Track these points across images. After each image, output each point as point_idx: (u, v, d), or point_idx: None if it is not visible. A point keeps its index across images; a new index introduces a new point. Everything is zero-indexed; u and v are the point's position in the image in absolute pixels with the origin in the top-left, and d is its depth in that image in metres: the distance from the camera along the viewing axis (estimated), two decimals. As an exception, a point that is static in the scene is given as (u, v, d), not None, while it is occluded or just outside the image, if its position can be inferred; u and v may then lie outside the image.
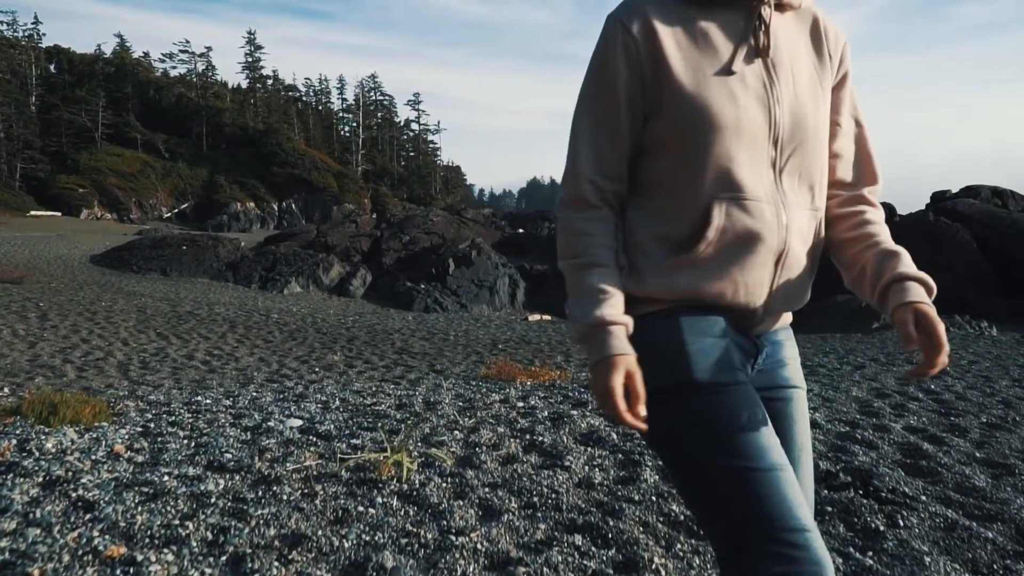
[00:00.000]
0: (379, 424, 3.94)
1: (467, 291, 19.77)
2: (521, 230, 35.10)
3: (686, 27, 1.11)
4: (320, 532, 2.30)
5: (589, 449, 3.44)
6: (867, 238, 1.19)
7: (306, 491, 2.71)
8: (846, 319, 12.78)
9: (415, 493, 2.72)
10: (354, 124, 76.14)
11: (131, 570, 2.02)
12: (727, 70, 1.09)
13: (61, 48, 68.92)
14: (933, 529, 2.51)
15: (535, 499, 2.69)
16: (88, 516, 2.38)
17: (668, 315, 1.13)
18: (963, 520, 2.58)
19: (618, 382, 1.05)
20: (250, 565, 2.08)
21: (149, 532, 2.26)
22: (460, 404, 4.70)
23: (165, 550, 2.15)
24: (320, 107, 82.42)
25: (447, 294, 19.33)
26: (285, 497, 2.63)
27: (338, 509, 2.51)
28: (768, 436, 1.07)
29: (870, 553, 2.32)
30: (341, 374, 7.57)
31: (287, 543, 2.24)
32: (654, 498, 2.74)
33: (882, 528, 2.49)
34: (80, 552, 2.12)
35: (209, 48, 73.65)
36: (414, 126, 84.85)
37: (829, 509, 2.66)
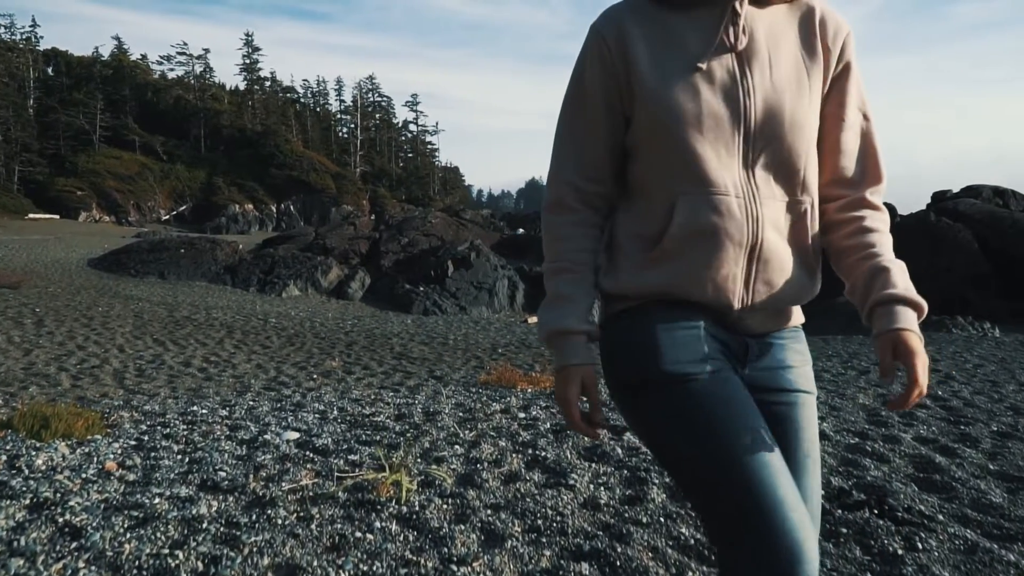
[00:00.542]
0: (378, 438, 3.85)
1: (466, 293, 19.65)
2: (520, 231, 34.97)
3: (660, 30, 1.13)
4: (316, 562, 2.20)
5: (593, 465, 3.35)
6: (863, 248, 1.14)
7: (302, 514, 2.62)
8: (847, 321, 12.65)
9: (415, 516, 2.62)
10: (352, 125, 76.11)
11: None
12: (692, 66, 1.09)
13: (59, 51, 68.80)
14: (953, 552, 2.42)
15: (539, 522, 2.60)
16: (74, 544, 2.28)
17: (640, 311, 1.14)
18: (983, 542, 2.49)
19: (573, 392, 1.10)
20: (242, 598, 1.98)
21: (137, 563, 2.16)
22: (460, 414, 4.61)
23: (153, 582, 2.06)
24: (318, 108, 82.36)
25: (446, 296, 19.20)
26: (280, 521, 2.53)
27: (335, 535, 2.42)
28: (753, 428, 1.03)
29: (889, 579, 2.23)
30: (339, 381, 7.47)
31: (281, 574, 2.14)
32: (662, 519, 2.64)
33: (900, 552, 2.40)
34: (64, 585, 2.02)
35: (207, 50, 73.57)
36: (412, 127, 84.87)
37: (844, 531, 2.56)
